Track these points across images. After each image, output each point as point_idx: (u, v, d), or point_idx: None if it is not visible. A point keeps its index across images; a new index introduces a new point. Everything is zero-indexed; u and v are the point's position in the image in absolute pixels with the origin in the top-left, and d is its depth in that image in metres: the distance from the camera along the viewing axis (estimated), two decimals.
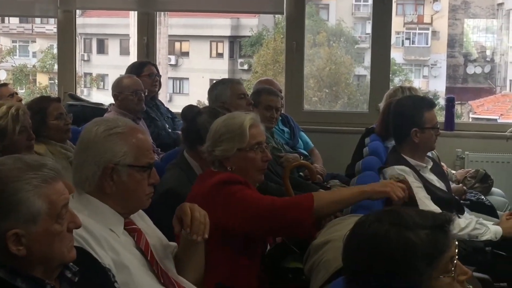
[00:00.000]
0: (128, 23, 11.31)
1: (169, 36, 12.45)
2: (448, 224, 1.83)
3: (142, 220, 2.52)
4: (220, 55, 14.93)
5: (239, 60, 14.57)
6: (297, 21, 6.25)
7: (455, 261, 1.81)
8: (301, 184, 4.57)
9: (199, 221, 2.38)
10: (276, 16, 11.55)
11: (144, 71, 5.70)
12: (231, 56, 14.74)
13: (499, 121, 8.99)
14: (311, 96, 9.95)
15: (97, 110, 5.69)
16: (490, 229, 3.72)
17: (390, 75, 6.77)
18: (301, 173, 4.95)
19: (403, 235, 1.79)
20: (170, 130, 5.61)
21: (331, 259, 2.24)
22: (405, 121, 3.93)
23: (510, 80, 10.88)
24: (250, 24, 13.98)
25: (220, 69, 14.02)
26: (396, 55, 11.37)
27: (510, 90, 10.78)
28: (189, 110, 4.28)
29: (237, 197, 2.81)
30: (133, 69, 5.68)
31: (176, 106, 5.46)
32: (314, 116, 6.38)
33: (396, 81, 10.66)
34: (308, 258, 2.39)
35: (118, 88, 5.27)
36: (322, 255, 2.30)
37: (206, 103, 4.79)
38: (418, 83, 11.87)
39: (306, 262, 2.39)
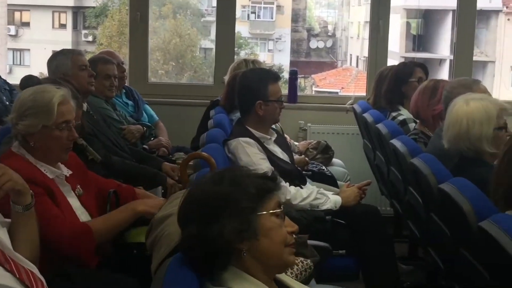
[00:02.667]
0: None
1: (8, 5, 11.88)
2: (275, 175, 2.06)
3: None
4: (63, 26, 14.44)
5: (83, 32, 14.16)
6: None
7: (282, 208, 2.02)
8: (146, 157, 4.51)
9: None
10: None
11: None
12: (75, 27, 14.29)
13: (340, 94, 9.26)
14: (157, 69, 9.82)
15: None
16: (330, 199, 3.83)
17: (236, 49, 6.78)
18: (145, 146, 4.89)
19: (237, 179, 1.99)
20: (7, 103, 5.36)
21: (173, 232, 2.21)
22: (250, 93, 3.96)
23: (351, 55, 11.24)
24: None
25: (64, 41, 13.55)
26: (242, 28, 11.44)
27: (351, 64, 11.13)
28: (28, 80, 4.10)
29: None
30: None
31: (17, 78, 5.21)
32: (160, 89, 6.30)
33: (242, 54, 10.73)
34: (150, 233, 2.35)
35: None
36: (164, 229, 2.27)
37: (48, 75, 4.60)
38: (263, 56, 12.01)
39: (148, 236, 2.35)
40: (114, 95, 4.92)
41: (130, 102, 5.36)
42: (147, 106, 5.56)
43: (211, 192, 1.97)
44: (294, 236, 2.04)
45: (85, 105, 4.19)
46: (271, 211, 1.98)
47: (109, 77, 4.77)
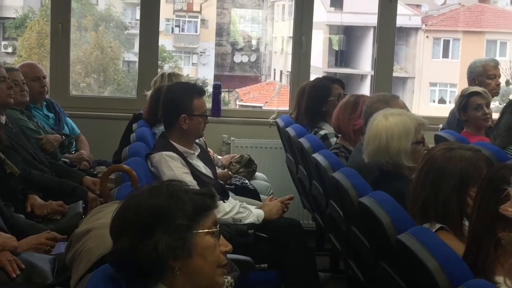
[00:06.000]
0: None
1: None
2: (213, 192, 2.05)
3: None
4: None
5: (3, 43, 13.86)
6: (63, 2, 6.05)
7: (218, 226, 2.00)
8: (67, 171, 4.44)
9: None
10: None
11: None
12: None
13: (264, 108, 9.31)
14: (79, 82, 9.68)
15: None
16: (253, 213, 3.85)
17: (160, 62, 6.74)
18: (66, 160, 4.81)
19: (175, 194, 1.94)
20: None
21: (94, 247, 2.18)
22: (174, 107, 3.95)
23: (275, 69, 11.32)
24: (15, 5, 13.31)
25: None
26: (166, 42, 11.39)
27: (275, 79, 11.21)
28: None
29: None
30: None
31: None
32: (81, 102, 6.22)
33: (166, 67, 10.68)
34: (70, 248, 2.31)
35: None
36: (84, 244, 2.23)
37: None
38: (187, 70, 11.97)
39: (68, 252, 2.31)
40: (27, 100, 4.82)
41: (51, 115, 5.26)
42: (69, 119, 5.48)
43: (147, 204, 1.92)
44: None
45: (3, 118, 4.10)
46: (207, 230, 1.95)
47: (17, 83, 4.67)
